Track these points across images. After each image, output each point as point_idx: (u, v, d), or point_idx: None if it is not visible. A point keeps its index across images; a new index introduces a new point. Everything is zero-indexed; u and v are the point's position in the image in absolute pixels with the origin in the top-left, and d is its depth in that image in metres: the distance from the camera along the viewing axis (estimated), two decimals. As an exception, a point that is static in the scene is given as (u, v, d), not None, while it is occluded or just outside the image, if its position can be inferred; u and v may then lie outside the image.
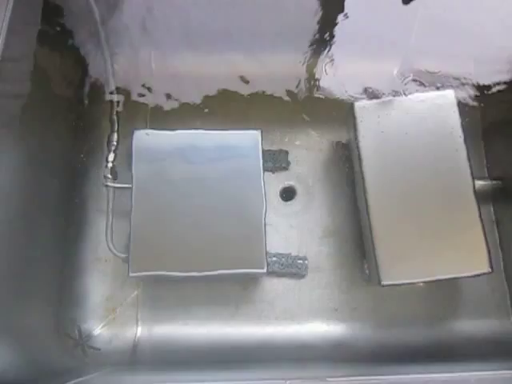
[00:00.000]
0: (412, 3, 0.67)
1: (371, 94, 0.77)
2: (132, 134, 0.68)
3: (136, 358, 0.69)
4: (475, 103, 0.78)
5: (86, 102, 0.80)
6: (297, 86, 0.83)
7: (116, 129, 0.75)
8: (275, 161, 0.79)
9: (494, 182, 0.75)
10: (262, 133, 0.71)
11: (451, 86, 0.74)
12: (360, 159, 0.68)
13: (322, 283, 0.74)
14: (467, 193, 0.66)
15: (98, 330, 0.70)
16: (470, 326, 0.73)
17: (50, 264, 0.70)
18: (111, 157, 0.71)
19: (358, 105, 0.70)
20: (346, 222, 0.78)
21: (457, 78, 0.77)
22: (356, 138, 0.69)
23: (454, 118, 0.68)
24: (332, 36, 0.81)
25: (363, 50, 0.79)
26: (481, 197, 0.67)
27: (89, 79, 0.79)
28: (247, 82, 0.83)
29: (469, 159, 0.67)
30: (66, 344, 0.68)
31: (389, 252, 0.65)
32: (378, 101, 0.69)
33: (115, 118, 0.76)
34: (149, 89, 0.80)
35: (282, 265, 0.73)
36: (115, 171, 0.70)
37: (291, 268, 0.73)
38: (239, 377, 0.59)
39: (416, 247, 0.65)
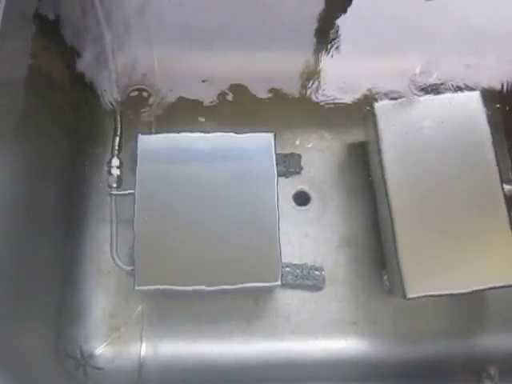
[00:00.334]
0: None
1: (386, 95, 0.72)
2: (135, 138, 0.64)
3: (141, 378, 0.65)
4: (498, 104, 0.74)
5: (86, 105, 0.74)
6: (306, 86, 0.79)
7: (119, 133, 0.70)
8: (287, 165, 0.74)
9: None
10: (275, 136, 0.66)
11: (475, 87, 0.70)
12: (381, 163, 0.64)
13: (339, 295, 0.70)
14: (496, 198, 0.62)
15: (101, 348, 0.65)
16: (497, 340, 0.69)
17: (49, 278, 0.66)
18: (115, 162, 0.65)
19: (378, 105, 0.66)
20: (362, 229, 0.73)
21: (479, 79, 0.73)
22: (377, 140, 0.64)
23: (481, 121, 0.64)
24: (339, 33, 0.76)
25: (378, 47, 0.74)
26: (510, 202, 0.63)
27: (88, 81, 0.74)
28: (256, 83, 0.78)
29: (498, 163, 0.63)
30: (67, 365, 0.63)
31: (414, 263, 0.61)
32: (399, 101, 0.65)
33: (117, 121, 0.71)
34: (152, 90, 0.75)
35: (296, 276, 0.68)
36: (121, 178, 0.66)
37: (307, 280, 0.69)
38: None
39: (442, 257, 0.61)
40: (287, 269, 0.68)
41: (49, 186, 0.66)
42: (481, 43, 0.71)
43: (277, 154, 0.67)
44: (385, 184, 0.63)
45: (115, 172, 0.65)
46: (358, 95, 0.74)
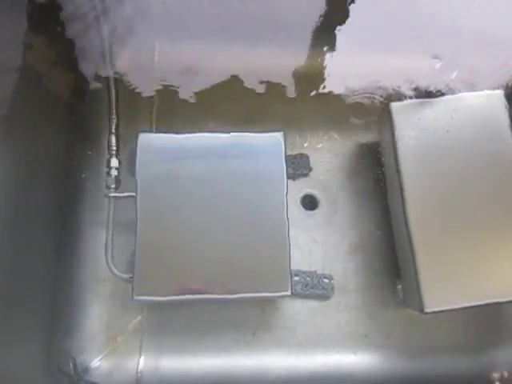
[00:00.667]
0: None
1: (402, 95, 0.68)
2: (135, 136, 0.59)
3: (140, 393, 0.60)
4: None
5: (82, 100, 0.70)
6: (313, 84, 0.74)
7: (115, 130, 0.65)
8: (295, 166, 0.71)
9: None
10: (284, 135, 0.62)
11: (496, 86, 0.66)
12: (397, 165, 0.60)
13: (349, 306, 0.67)
14: (521, 205, 0.58)
15: (97, 362, 0.62)
16: (515, 355, 0.65)
17: (41, 286, 0.61)
18: (114, 163, 0.61)
19: (394, 105, 0.62)
20: (374, 235, 0.70)
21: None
22: (392, 141, 0.61)
23: (504, 121, 0.61)
24: (348, 27, 0.71)
25: (393, 43, 0.70)
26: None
27: (85, 75, 0.69)
28: (262, 81, 0.74)
29: (522, 167, 0.59)
30: (58, 380, 0.59)
31: (433, 274, 0.57)
32: (417, 100, 0.62)
33: (114, 117, 0.66)
34: (153, 84, 0.71)
35: (305, 285, 0.65)
36: (119, 179, 0.61)
37: (316, 289, 0.65)
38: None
39: (462, 268, 0.58)
40: (296, 278, 0.64)
41: (40, 188, 0.62)
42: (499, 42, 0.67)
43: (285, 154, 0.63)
44: (401, 188, 0.60)
45: (114, 173, 0.61)
46: (370, 94, 0.69)
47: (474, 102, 0.61)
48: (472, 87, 0.62)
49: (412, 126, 0.61)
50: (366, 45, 0.71)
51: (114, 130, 0.65)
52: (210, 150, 0.60)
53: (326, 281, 0.66)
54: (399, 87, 0.65)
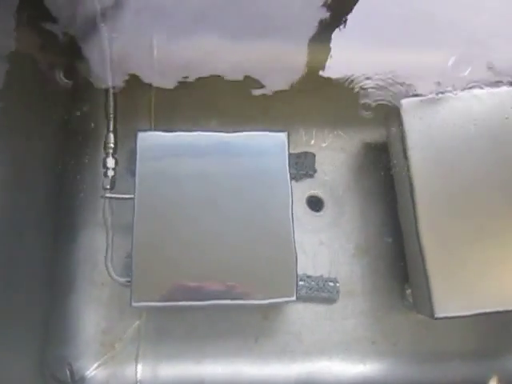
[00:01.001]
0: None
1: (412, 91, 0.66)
2: (134, 135, 0.57)
3: (138, 403, 0.58)
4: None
5: (77, 97, 0.67)
6: (319, 80, 0.72)
7: (112, 128, 0.63)
8: (299, 166, 0.68)
9: None
10: (288, 135, 0.59)
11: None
12: (407, 165, 0.58)
13: (356, 310, 0.64)
14: (537, 207, 0.56)
15: (93, 370, 0.59)
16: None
17: (35, 290, 0.59)
18: (110, 163, 0.58)
19: (404, 101, 0.59)
20: (381, 237, 0.68)
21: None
22: (402, 140, 0.58)
23: (520, 118, 0.58)
24: (355, 20, 0.69)
25: (402, 37, 0.68)
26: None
27: (81, 70, 0.67)
28: (266, 76, 0.71)
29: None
30: (53, 389, 0.57)
31: (444, 279, 0.55)
32: (428, 97, 0.58)
33: (111, 115, 0.64)
34: (151, 81, 0.68)
35: (310, 289, 0.62)
36: (114, 180, 0.59)
37: (322, 292, 0.62)
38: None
39: (477, 272, 0.55)
40: (301, 282, 0.62)
41: (34, 189, 0.60)
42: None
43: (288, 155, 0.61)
44: (411, 189, 0.57)
45: (110, 173, 0.58)
46: (380, 90, 0.67)
47: (488, 99, 0.59)
48: (487, 83, 0.59)
49: (423, 123, 0.59)
50: (377, 40, 0.68)
51: (111, 129, 0.63)
52: (212, 149, 0.58)
53: (331, 284, 0.64)
54: (410, 83, 0.63)
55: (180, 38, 0.71)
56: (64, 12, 0.62)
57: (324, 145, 0.71)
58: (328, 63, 0.71)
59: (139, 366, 0.60)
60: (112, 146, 0.60)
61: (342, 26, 0.69)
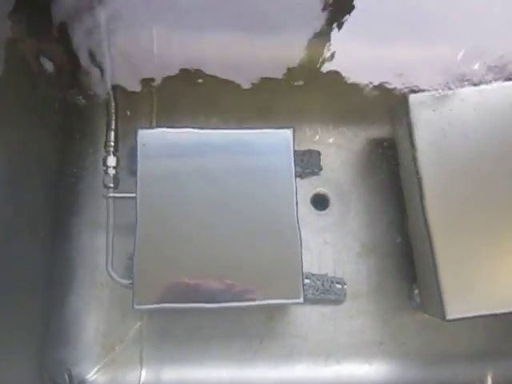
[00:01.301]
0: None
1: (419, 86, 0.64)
2: (135, 133, 0.55)
3: (140, 408, 0.57)
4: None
5: (77, 93, 0.66)
6: (324, 76, 0.70)
7: (113, 126, 0.61)
8: (304, 164, 0.67)
9: None
10: (293, 132, 0.58)
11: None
12: (415, 162, 0.57)
13: (363, 311, 0.63)
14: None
15: (93, 374, 0.58)
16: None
17: (34, 291, 0.58)
18: (111, 161, 0.57)
19: (412, 97, 0.58)
20: (387, 236, 0.67)
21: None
22: (410, 136, 0.57)
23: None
24: (360, 13, 0.67)
25: (409, 31, 0.66)
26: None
27: (80, 66, 0.65)
28: (268, 72, 0.69)
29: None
30: (53, 394, 0.56)
31: (456, 280, 0.53)
32: (436, 93, 0.57)
33: (112, 113, 0.62)
34: (152, 78, 0.67)
35: (317, 290, 0.61)
36: (117, 178, 0.57)
37: (329, 294, 0.61)
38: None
39: (488, 272, 0.54)
40: (307, 281, 0.60)
41: (33, 189, 0.58)
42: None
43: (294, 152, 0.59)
44: (419, 187, 0.56)
45: (112, 172, 0.57)
46: (384, 86, 0.65)
47: (499, 94, 0.57)
48: (496, 78, 0.57)
49: (430, 119, 0.57)
50: (382, 34, 0.66)
51: (113, 127, 0.61)
52: (215, 146, 0.56)
53: (339, 286, 0.62)
54: (417, 78, 0.61)
55: (181, 34, 0.70)
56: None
57: (329, 141, 0.69)
58: (331, 58, 0.69)
59: (142, 370, 0.58)
60: (112, 144, 0.58)
61: (345, 21, 0.67)
